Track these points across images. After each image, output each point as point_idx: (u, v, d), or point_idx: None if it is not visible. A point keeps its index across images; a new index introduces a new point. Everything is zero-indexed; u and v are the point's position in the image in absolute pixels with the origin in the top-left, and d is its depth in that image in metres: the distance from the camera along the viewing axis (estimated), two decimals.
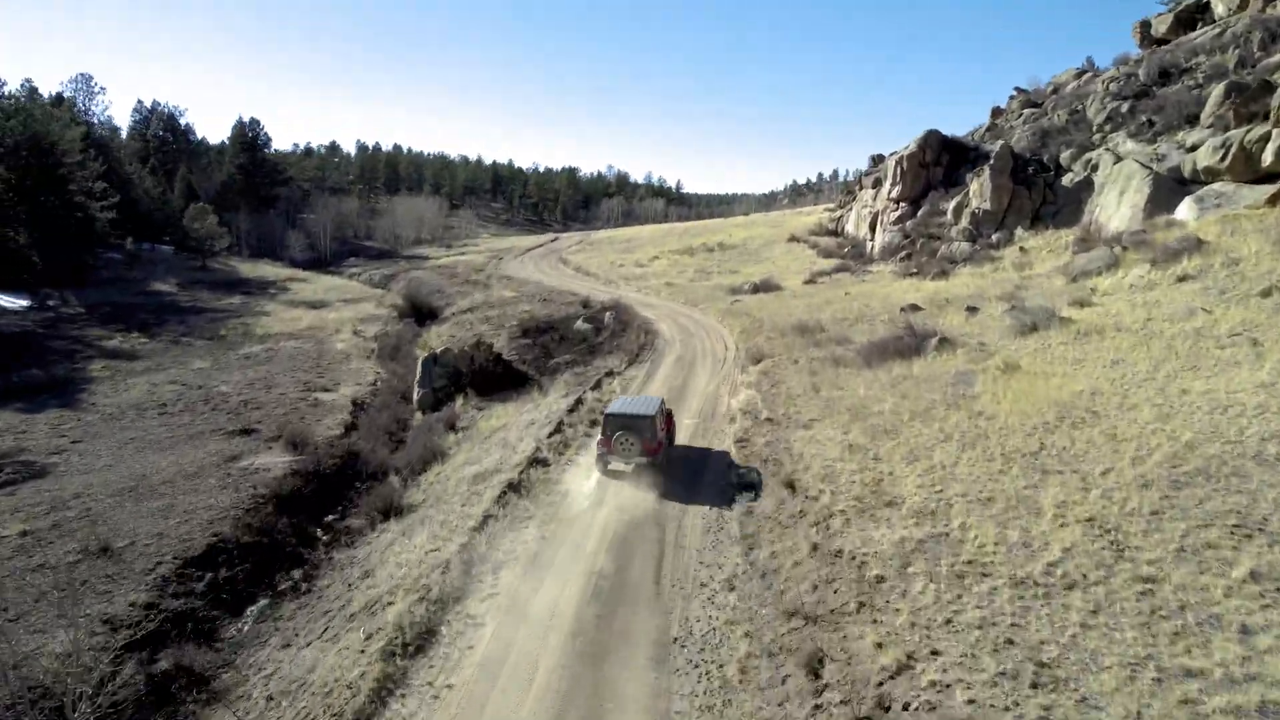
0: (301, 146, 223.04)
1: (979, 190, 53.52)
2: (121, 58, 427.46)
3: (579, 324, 45.40)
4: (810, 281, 59.84)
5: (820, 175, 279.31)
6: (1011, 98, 79.71)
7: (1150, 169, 42.08)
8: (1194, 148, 41.61)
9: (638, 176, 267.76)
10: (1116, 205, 43.54)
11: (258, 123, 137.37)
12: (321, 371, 40.89)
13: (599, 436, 21.69)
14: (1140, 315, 27.41)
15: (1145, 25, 63.93)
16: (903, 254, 59.19)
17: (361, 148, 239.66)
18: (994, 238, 51.95)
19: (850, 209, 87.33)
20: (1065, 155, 51.43)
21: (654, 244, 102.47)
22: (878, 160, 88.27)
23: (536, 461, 23.38)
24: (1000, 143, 56.72)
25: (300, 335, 50.61)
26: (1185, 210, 38.46)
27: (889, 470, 18.50)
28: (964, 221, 54.85)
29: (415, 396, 33.48)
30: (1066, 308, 30.72)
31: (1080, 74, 69.26)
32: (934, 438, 19.95)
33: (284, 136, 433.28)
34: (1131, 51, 65.70)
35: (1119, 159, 46.81)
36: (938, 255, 55.02)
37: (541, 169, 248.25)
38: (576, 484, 21.68)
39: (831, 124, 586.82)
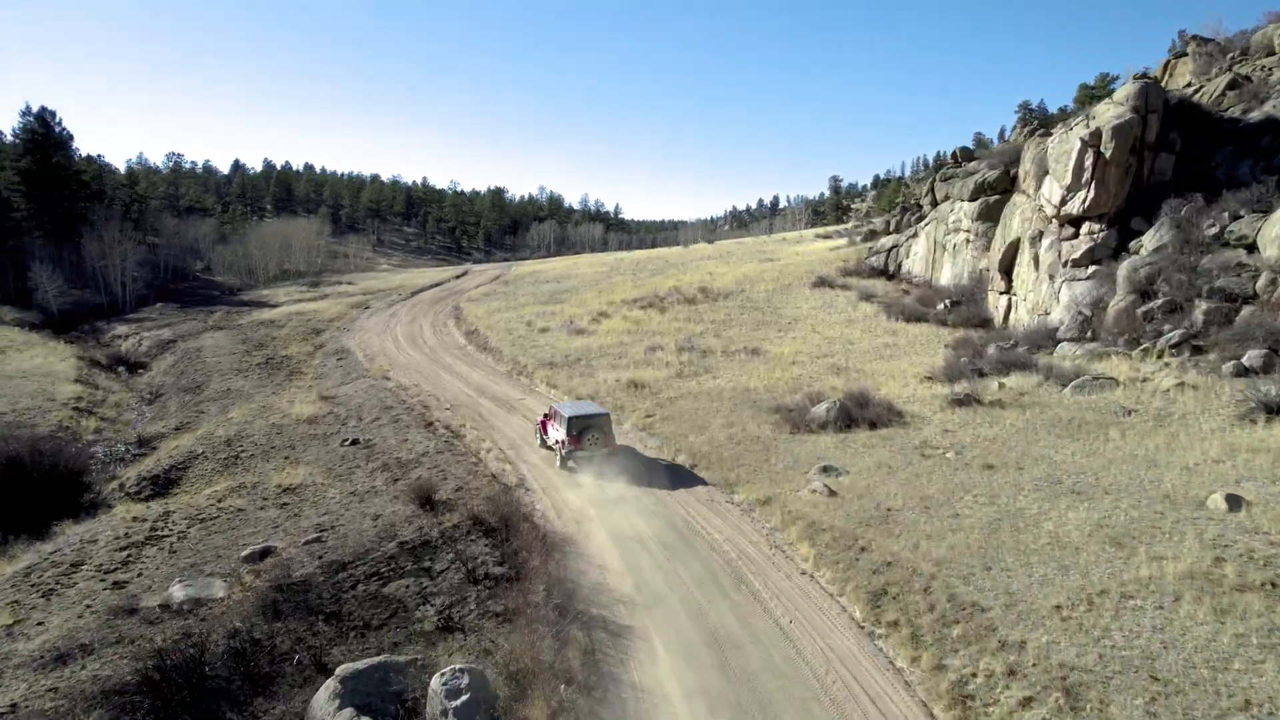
0: (208, 165, 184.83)
1: None
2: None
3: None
4: (961, 402, 26.27)
5: (761, 202, 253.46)
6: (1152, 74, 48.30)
7: None
8: None
9: (573, 200, 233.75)
10: None
11: (52, 115, 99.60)
12: None
13: (563, 436, 22.99)
14: None
15: None
16: (1176, 334, 26.41)
17: (269, 166, 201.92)
18: None
19: (915, 235, 54.74)
20: None
21: (597, 286, 68.38)
22: (962, 157, 55.87)
23: None
24: None
25: None
26: None
27: None
28: None
29: None
30: None
31: None
32: None
33: (199, 152, 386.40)
34: None
35: None
36: None
37: (463, 189, 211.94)
38: None
39: (772, 150, 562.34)
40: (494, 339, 46.23)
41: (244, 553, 17.83)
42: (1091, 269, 32.98)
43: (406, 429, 27.45)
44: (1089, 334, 30.39)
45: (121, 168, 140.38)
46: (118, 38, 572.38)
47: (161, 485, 24.83)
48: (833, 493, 19.66)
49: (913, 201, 61.51)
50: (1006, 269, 39.72)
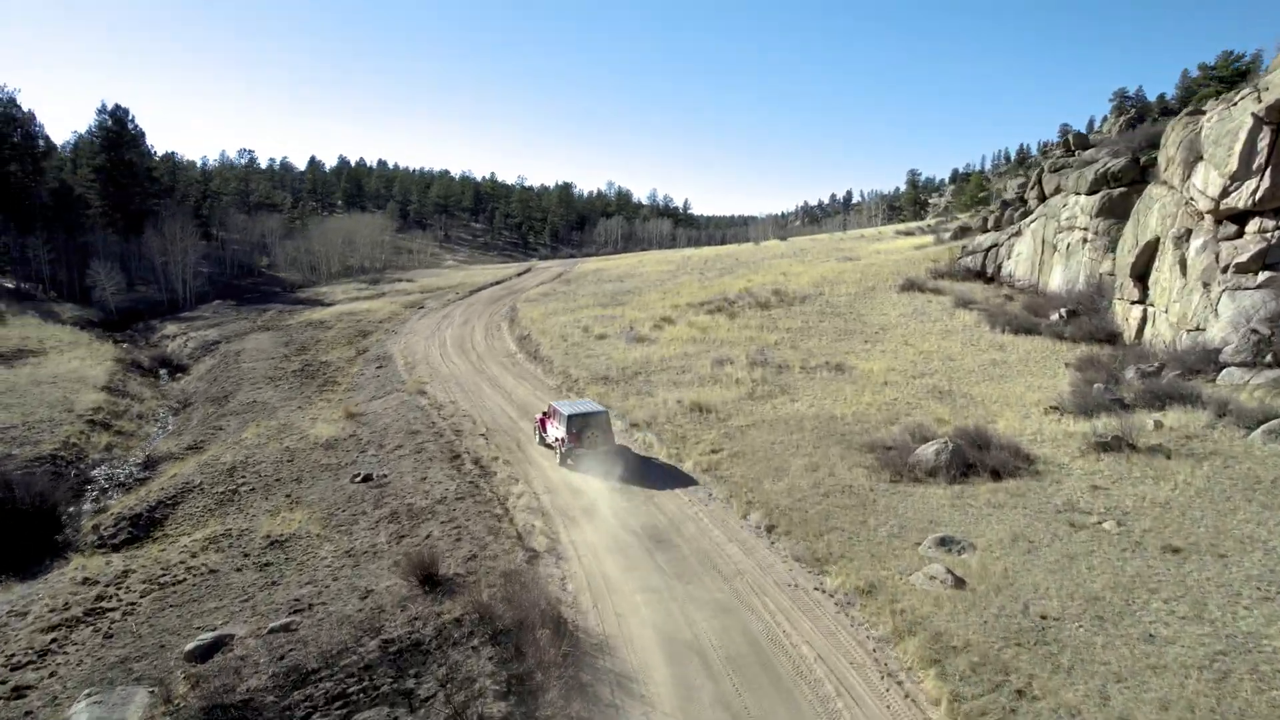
0: (275, 160, 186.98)
1: None
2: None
3: None
4: (1108, 446, 20.71)
5: (834, 197, 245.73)
6: None
7: None
8: None
9: (641, 195, 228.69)
10: None
11: (126, 113, 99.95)
12: None
13: (562, 434, 23.06)
14: None
15: None
16: None
17: (342, 163, 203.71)
18: None
19: (1018, 234, 48.63)
20: None
21: (661, 286, 63.83)
22: (1076, 145, 49.32)
23: None
24: None
25: None
26: None
27: None
28: None
29: None
30: None
31: None
32: None
33: (273, 149, 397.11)
34: None
35: None
36: None
37: (531, 184, 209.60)
38: None
39: (844, 144, 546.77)
40: (545, 347, 42.09)
41: (190, 645, 13.88)
42: (1264, 275, 26.87)
43: (429, 462, 23.42)
44: (1268, 358, 24.43)
45: (197, 163, 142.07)
46: (215, 41, 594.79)
47: (142, 527, 21.32)
48: (959, 581, 14.72)
49: (1015, 195, 55.06)
50: (1140, 274, 33.60)
